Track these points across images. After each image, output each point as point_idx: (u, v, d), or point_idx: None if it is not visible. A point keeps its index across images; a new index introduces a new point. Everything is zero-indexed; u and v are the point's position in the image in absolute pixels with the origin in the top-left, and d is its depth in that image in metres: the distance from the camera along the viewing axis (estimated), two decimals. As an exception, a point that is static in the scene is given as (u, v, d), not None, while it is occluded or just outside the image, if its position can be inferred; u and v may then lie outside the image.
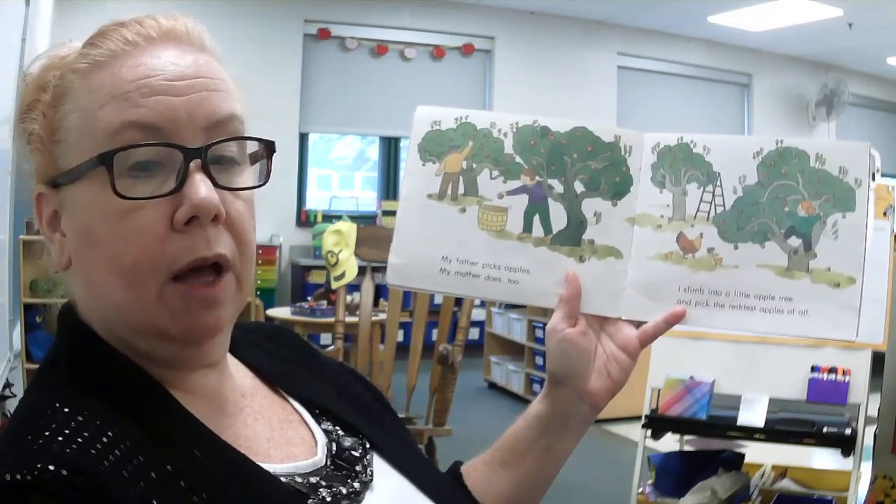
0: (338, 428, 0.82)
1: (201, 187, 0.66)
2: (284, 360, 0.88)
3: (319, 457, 0.77)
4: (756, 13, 7.47)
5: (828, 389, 2.69)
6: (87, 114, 0.68)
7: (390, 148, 7.82)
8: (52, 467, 0.58)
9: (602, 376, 0.90)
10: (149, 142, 0.66)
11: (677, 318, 0.88)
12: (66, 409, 0.64)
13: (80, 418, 0.63)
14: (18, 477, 0.57)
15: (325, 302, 4.86)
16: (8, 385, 3.18)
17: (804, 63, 9.06)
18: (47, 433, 0.61)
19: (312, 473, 0.74)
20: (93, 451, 0.61)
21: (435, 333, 3.62)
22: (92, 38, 0.71)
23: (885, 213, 2.58)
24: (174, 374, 0.72)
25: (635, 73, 8.48)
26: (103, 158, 0.66)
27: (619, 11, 7.86)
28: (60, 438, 0.61)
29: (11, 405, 3.33)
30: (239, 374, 0.80)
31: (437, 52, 7.75)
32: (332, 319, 4.03)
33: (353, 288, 3.92)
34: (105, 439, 0.62)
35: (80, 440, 0.61)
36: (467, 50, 7.86)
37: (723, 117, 8.98)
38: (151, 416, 0.67)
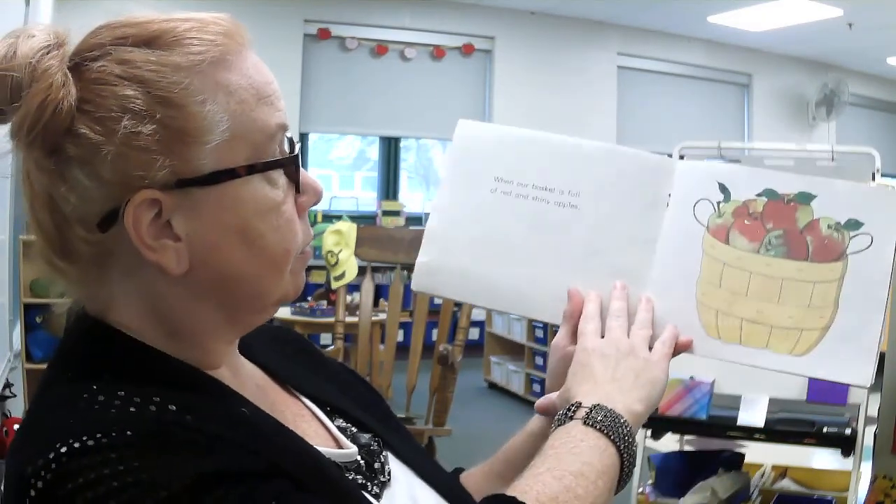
0: (350, 425, 0.83)
1: (314, 178, 0.75)
2: (290, 360, 0.88)
3: (353, 450, 0.78)
4: (756, 13, 7.47)
5: (828, 389, 2.68)
6: (237, 116, 0.67)
7: (390, 148, 7.82)
8: (115, 429, 0.58)
9: None
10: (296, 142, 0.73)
11: (683, 349, 0.88)
12: (102, 396, 0.63)
13: (121, 393, 0.63)
14: (92, 443, 0.57)
15: (325, 302, 4.85)
16: (8, 385, 3.18)
17: (804, 63, 9.06)
18: (97, 406, 0.61)
19: (344, 463, 0.76)
20: (152, 408, 0.62)
21: (435, 333, 3.62)
22: (176, 35, 0.67)
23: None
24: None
25: (635, 73, 8.47)
26: (293, 159, 0.71)
27: (619, 11, 7.86)
28: (117, 402, 0.61)
29: (11, 405, 3.34)
30: (249, 371, 0.81)
31: (437, 52, 7.75)
32: (332, 319, 4.03)
33: (353, 288, 3.92)
34: (152, 406, 0.62)
35: (132, 408, 0.61)
36: (467, 50, 7.85)
37: (723, 117, 8.98)
38: (186, 388, 0.67)
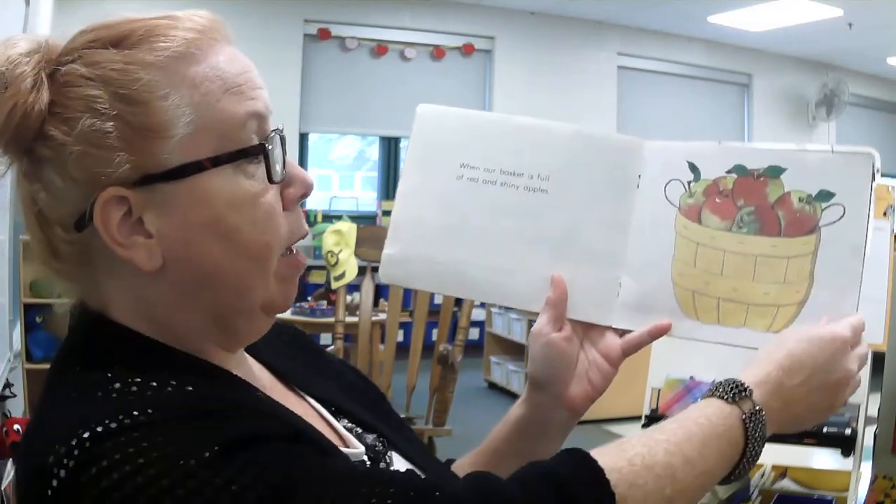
0: (356, 426, 0.83)
1: (305, 171, 0.73)
2: (294, 358, 0.88)
3: (361, 450, 0.78)
4: (756, 13, 7.46)
5: (828, 389, 2.68)
6: (200, 108, 0.67)
7: (390, 148, 7.82)
8: (137, 410, 0.58)
9: (582, 382, 0.89)
10: (278, 129, 0.71)
11: (662, 332, 0.87)
12: (118, 384, 0.63)
13: (137, 379, 0.63)
14: (114, 425, 0.57)
15: (325, 302, 4.85)
16: (8, 385, 3.18)
17: (804, 63, 9.06)
18: (114, 393, 0.61)
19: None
20: (169, 389, 0.62)
21: (435, 333, 3.62)
22: (144, 34, 0.68)
23: (885, 213, 2.57)
24: None
25: (635, 73, 8.47)
26: (262, 148, 0.69)
27: (619, 11, 7.86)
28: (134, 388, 0.62)
29: (11, 405, 3.33)
30: (256, 371, 0.81)
31: (437, 52, 7.74)
32: (332, 319, 4.03)
33: (353, 288, 3.92)
34: (169, 388, 0.63)
35: (149, 391, 0.62)
36: (467, 50, 7.85)
37: (723, 117, 8.98)
38: (199, 375, 0.68)
